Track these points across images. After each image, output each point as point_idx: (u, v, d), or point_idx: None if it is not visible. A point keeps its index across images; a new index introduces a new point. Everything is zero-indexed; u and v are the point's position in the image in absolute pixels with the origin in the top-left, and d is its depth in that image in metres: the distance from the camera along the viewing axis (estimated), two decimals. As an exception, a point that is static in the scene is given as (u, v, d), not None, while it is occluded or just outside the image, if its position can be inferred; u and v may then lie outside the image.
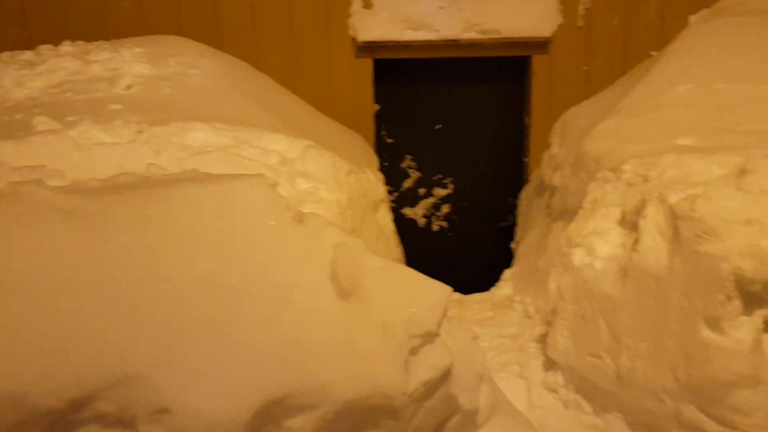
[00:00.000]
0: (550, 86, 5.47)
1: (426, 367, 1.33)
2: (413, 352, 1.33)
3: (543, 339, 3.14)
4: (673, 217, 2.28)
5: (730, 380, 2.01)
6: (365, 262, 1.38)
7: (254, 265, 1.30)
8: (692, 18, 5.54)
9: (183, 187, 1.40)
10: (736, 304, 2.06)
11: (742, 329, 2.05)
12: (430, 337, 1.37)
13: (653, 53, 5.45)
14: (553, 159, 4.54)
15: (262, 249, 1.33)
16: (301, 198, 3.07)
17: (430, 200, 5.65)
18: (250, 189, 1.41)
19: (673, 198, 2.32)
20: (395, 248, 4.18)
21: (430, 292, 1.42)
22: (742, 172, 2.29)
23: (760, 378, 2.02)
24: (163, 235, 1.32)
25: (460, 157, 5.57)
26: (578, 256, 2.59)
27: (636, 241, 2.39)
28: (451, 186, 5.63)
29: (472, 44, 5.24)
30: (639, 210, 2.44)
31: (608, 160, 3.06)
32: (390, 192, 5.25)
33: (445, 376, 1.37)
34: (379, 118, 5.45)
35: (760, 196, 2.17)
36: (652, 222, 2.35)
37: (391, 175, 5.37)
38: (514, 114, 5.57)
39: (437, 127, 5.53)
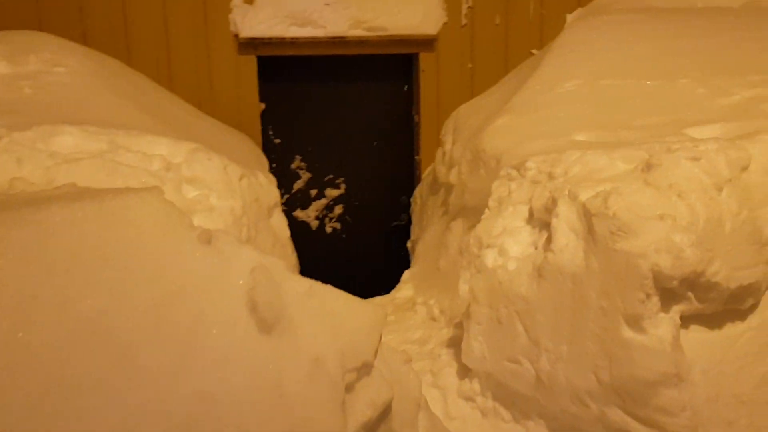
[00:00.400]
0: (437, 84, 5.45)
1: (364, 405, 1.16)
2: (349, 388, 1.16)
3: (454, 343, 3.05)
4: (587, 214, 2.24)
5: (655, 380, 1.99)
6: (288, 286, 1.19)
7: (152, 300, 1.08)
8: (569, 17, 5.72)
9: (58, 207, 1.14)
10: (655, 301, 2.04)
11: (662, 326, 2.03)
12: (366, 368, 1.20)
13: (534, 51, 5.58)
14: (446, 156, 4.50)
15: (162, 280, 1.10)
16: (190, 207, 2.80)
17: (323, 201, 5.47)
18: (144, 205, 1.18)
19: (584, 195, 2.28)
20: (291, 255, 3.97)
21: (363, 317, 1.25)
22: (648, 166, 2.29)
23: (682, 376, 2.01)
24: (35, 268, 1.07)
25: (351, 156, 5.43)
26: (491, 257, 2.51)
27: (549, 240, 2.33)
28: (343, 186, 5.48)
29: (360, 41, 5.11)
30: (549, 208, 2.39)
31: (510, 158, 3.01)
32: (280, 194, 5.03)
33: (386, 412, 1.21)
34: (266, 118, 5.21)
35: (668, 191, 2.17)
36: (565, 220, 2.30)
37: (281, 176, 5.14)
38: (404, 112, 5.50)
39: (326, 125, 5.35)
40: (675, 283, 2.05)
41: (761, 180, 2.31)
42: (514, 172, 2.83)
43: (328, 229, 5.51)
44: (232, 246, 1.21)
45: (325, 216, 5.50)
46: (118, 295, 1.06)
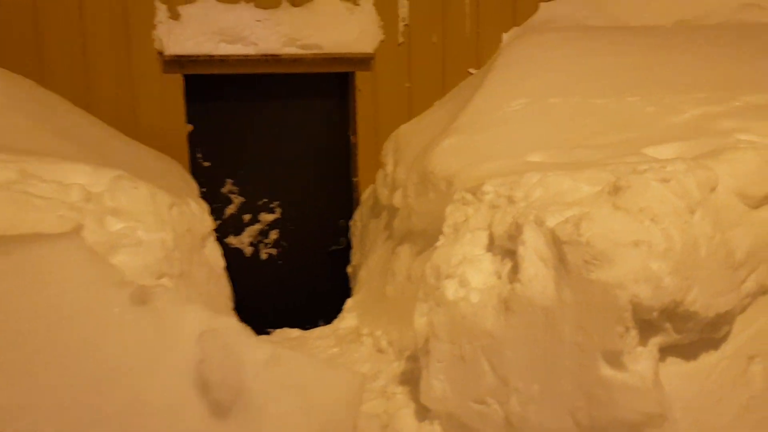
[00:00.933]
0: (375, 103, 5.28)
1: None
2: (328, 480, 0.94)
3: (408, 380, 2.84)
4: (557, 242, 2.08)
5: (639, 421, 1.84)
6: (246, 354, 0.95)
7: (73, 387, 0.82)
8: (505, 36, 5.68)
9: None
10: (634, 334, 1.90)
11: (642, 362, 1.89)
12: (347, 452, 0.98)
13: (471, 70, 5.50)
14: (389, 178, 4.32)
15: (86, 359, 0.85)
16: (115, 242, 2.50)
17: (257, 227, 5.19)
18: (61, 258, 0.92)
19: (553, 221, 2.13)
20: (226, 287, 3.68)
21: (339, 388, 1.03)
22: (616, 189, 2.16)
23: (665, 415, 1.86)
24: None
25: (285, 179, 5.18)
26: (451, 289, 2.32)
27: (515, 270, 2.17)
28: (278, 210, 5.21)
29: (294, 60, 4.89)
30: (513, 235, 2.23)
31: (463, 180, 2.85)
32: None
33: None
34: (194, 140, 4.90)
35: (640, 215, 2.04)
36: (532, 248, 2.14)
37: (212, 201, 4.83)
38: (340, 132, 5.30)
39: (259, 147, 5.09)
40: (654, 314, 1.91)
41: (728, 201, 2.22)
42: (469, 196, 2.67)
43: (263, 256, 5.23)
44: (174, 306, 0.96)
45: (260, 242, 5.22)
46: (29, 384, 0.80)
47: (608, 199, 2.15)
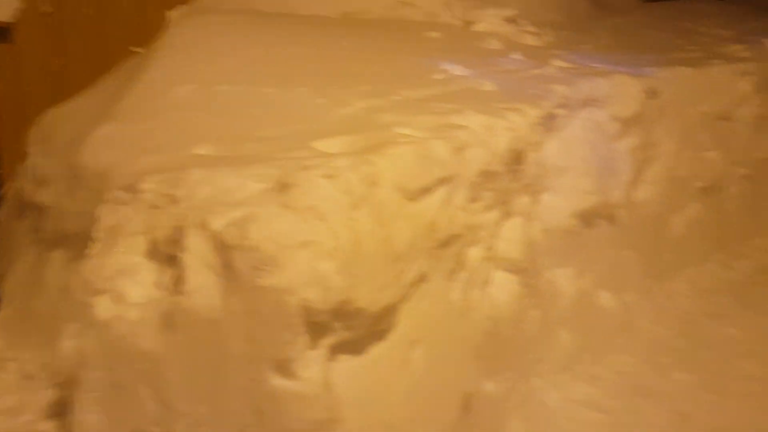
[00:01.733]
0: (18, 83, 4.53)
1: None
2: None
3: (59, 412, 2.43)
4: (222, 246, 1.90)
5: (309, 429, 1.76)
6: None
7: None
8: (170, 14, 5.29)
9: None
10: (304, 340, 1.81)
11: (313, 367, 1.81)
12: None
13: (136, 49, 5.03)
14: (34, 171, 3.70)
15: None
16: None
17: None
18: None
19: (218, 223, 1.94)
20: None
21: None
22: (283, 186, 2.06)
23: (335, 418, 1.82)
24: None
25: None
26: (104, 307, 2.00)
27: (179, 280, 1.94)
28: None
29: None
30: (176, 240, 1.99)
31: (119, 176, 2.50)
32: None
33: None
34: None
35: (308, 214, 1.96)
36: (197, 254, 1.93)
37: None
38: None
39: None
40: (325, 316, 1.85)
41: (390, 195, 2.27)
42: (125, 195, 2.34)
43: None
44: None
45: None
46: None
47: (276, 198, 2.04)
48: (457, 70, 3.98)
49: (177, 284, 1.94)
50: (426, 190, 2.43)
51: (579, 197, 3.56)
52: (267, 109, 3.12)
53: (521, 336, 3.12)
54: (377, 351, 2.10)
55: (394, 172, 2.35)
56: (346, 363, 2.00)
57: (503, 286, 2.99)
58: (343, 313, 1.92)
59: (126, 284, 2.04)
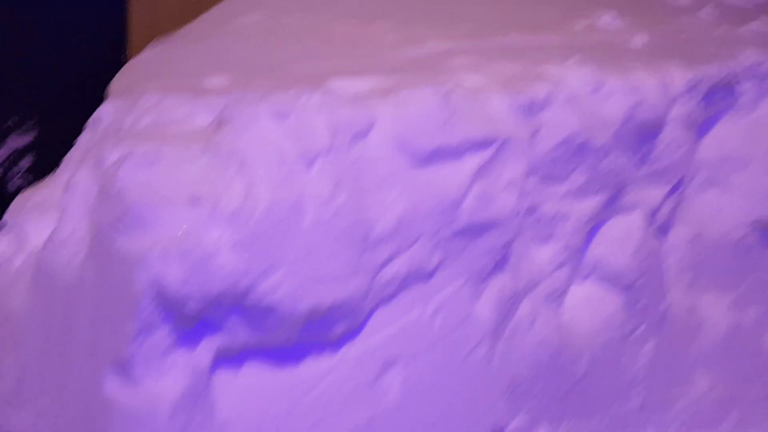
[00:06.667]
0: (154, 13, 4.43)
1: None
2: None
3: None
4: (102, 190, 1.41)
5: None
6: None
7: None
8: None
9: None
10: (161, 334, 1.27)
11: (170, 375, 1.27)
12: None
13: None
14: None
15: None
16: None
17: None
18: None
19: (112, 157, 1.46)
20: None
21: None
22: (219, 123, 1.52)
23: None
24: None
25: None
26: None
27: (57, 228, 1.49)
28: None
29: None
30: (71, 177, 1.55)
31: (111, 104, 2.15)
32: None
33: None
34: None
35: (224, 160, 1.40)
36: (81, 195, 1.47)
37: None
38: None
39: None
40: (197, 304, 1.28)
41: (384, 153, 1.63)
42: (94, 122, 1.96)
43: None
44: None
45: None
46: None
47: (201, 135, 1.50)
48: (614, 23, 3.14)
49: (54, 234, 1.50)
50: (452, 153, 1.75)
51: (761, 201, 2.65)
52: (321, 43, 2.59)
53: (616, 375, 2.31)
54: (318, 368, 1.49)
55: (402, 123, 1.70)
56: (258, 379, 1.42)
57: (589, 304, 2.21)
58: (240, 305, 1.34)
59: (31, 224, 1.65)
